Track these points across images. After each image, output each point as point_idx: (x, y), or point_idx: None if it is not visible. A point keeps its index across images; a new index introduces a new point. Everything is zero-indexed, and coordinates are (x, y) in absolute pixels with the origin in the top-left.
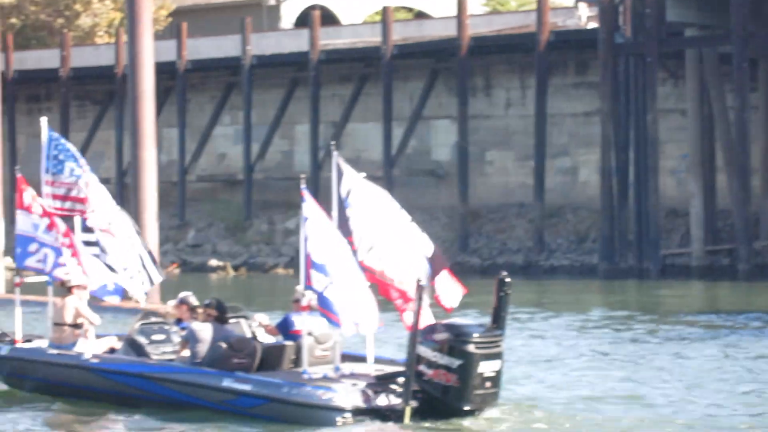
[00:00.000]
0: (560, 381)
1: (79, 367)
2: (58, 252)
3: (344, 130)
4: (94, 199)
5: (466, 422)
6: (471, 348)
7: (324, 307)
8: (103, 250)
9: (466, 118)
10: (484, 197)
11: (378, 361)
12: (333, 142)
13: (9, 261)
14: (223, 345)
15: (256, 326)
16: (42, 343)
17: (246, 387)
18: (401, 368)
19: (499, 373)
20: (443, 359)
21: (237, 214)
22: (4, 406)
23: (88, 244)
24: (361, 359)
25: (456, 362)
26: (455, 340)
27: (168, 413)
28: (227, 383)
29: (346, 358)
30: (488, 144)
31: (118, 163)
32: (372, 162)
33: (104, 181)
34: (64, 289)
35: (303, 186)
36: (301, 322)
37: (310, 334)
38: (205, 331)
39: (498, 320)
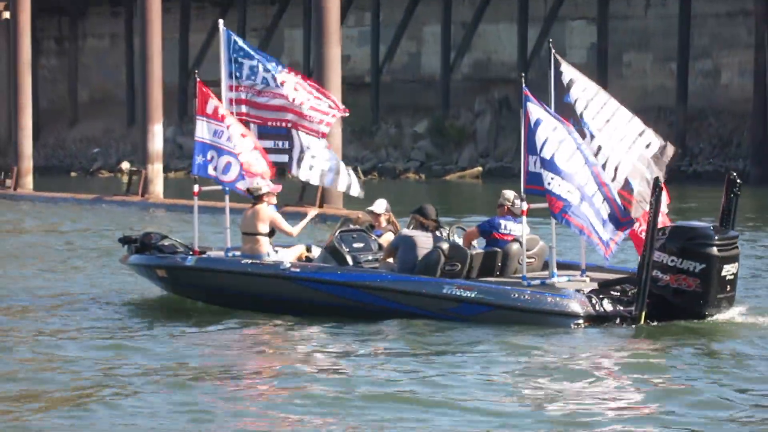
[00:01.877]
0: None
1: (280, 277)
2: (238, 160)
3: (475, 31)
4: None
5: (701, 325)
6: (714, 251)
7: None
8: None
9: (606, 19)
10: (621, 100)
11: (589, 268)
12: (551, 40)
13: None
14: (437, 251)
15: (451, 233)
16: (219, 254)
17: (469, 294)
18: (616, 275)
19: (736, 275)
20: (683, 263)
21: (363, 117)
22: (195, 321)
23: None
24: (571, 266)
25: (698, 266)
26: (696, 243)
27: (379, 324)
28: (448, 290)
29: (547, 265)
30: (626, 45)
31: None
32: (503, 64)
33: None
34: (252, 197)
35: (524, 85)
36: (508, 226)
37: (517, 240)
38: (417, 237)
39: (728, 221)
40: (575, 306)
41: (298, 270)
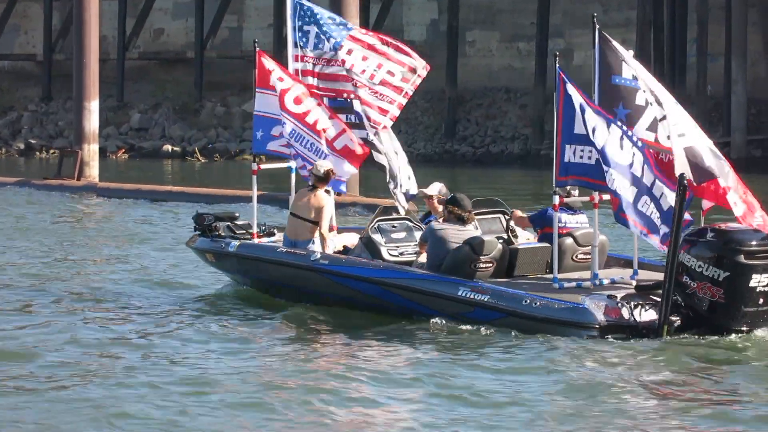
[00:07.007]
0: None
1: (306, 269)
2: (308, 137)
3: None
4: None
5: (735, 341)
6: (741, 258)
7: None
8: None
9: None
10: (464, 81)
11: (643, 266)
12: (594, 15)
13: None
14: (465, 247)
15: (513, 222)
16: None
17: (483, 298)
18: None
19: None
20: (708, 270)
21: (186, 95)
22: (230, 307)
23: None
24: (628, 262)
25: (722, 274)
26: (724, 249)
27: (390, 322)
28: (463, 293)
29: (610, 261)
30: (469, 23)
31: (46, 37)
32: None
33: (25, 57)
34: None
35: (558, 66)
36: (563, 219)
37: (570, 234)
38: (445, 231)
39: None
40: (591, 316)
41: (324, 262)
